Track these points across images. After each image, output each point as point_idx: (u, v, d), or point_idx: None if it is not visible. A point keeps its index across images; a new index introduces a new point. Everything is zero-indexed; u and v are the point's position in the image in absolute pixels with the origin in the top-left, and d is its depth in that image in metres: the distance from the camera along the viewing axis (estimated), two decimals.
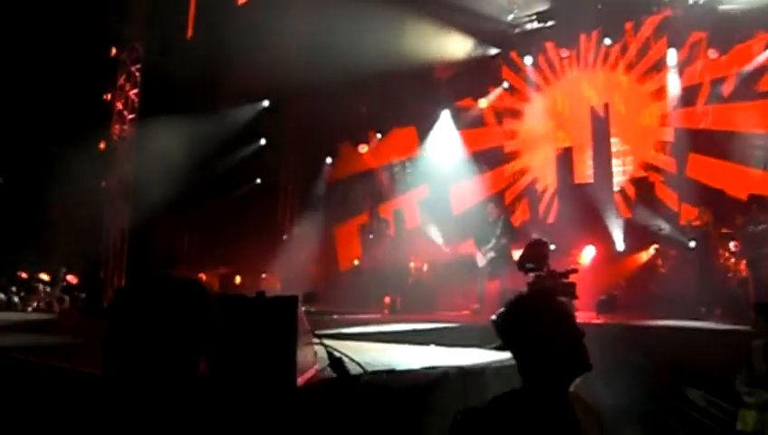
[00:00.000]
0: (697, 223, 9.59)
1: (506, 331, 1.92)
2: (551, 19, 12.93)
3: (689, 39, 11.57)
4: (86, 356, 2.62)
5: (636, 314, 9.02)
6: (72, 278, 11.78)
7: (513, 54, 13.73)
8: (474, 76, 14.11)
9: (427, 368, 2.71)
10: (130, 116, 14.74)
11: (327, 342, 2.51)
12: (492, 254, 10.11)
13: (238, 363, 2.03)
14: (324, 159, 15.96)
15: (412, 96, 14.03)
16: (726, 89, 11.12)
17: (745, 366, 4.72)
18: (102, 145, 14.76)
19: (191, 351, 1.42)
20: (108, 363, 1.39)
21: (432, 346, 4.82)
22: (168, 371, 1.38)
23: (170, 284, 1.45)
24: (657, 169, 11.95)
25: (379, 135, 15.20)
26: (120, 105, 14.72)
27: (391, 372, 2.52)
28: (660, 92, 12.03)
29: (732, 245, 9.69)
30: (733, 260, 9.74)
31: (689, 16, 11.48)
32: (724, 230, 9.67)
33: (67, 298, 8.28)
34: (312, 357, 2.35)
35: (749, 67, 10.91)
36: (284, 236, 16.36)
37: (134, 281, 1.51)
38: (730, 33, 11.03)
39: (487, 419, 1.78)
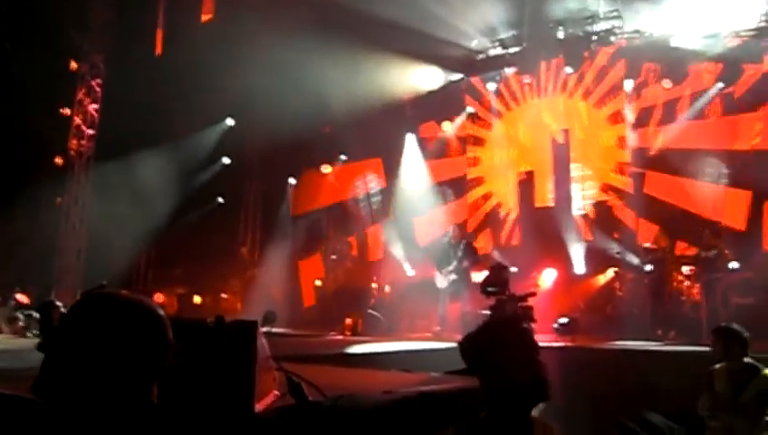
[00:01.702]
0: (654, 247, 9.84)
1: (473, 356, 1.92)
2: (514, 46, 13.23)
3: (644, 69, 12.03)
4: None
5: (594, 336, 9.16)
6: (21, 298, 11.37)
7: (477, 80, 13.98)
8: (437, 100, 14.29)
9: (387, 392, 2.68)
10: (89, 131, 14.43)
11: (286, 365, 2.46)
12: (453, 276, 10.17)
13: (194, 390, 1.98)
14: (287, 180, 15.87)
15: (376, 119, 14.11)
16: (679, 111, 11.60)
17: (707, 390, 4.76)
18: (59, 161, 14.39)
19: (140, 377, 1.35)
20: (50, 390, 1.32)
21: (393, 370, 4.80)
22: (115, 398, 1.30)
23: (116, 305, 1.37)
24: (616, 191, 12.27)
25: (342, 156, 15.21)
26: (78, 120, 14.40)
27: (351, 398, 2.48)
28: (617, 116, 12.42)
29: (686, 269, 9.97)
30: (686, 284, 10.02)
31: (644, 48, 11.95)
32: (678, 255, 9.94)
33: (21, 317, 7.98)
34: (270, 382, 2.30)
35: (701, 101, 11.40)
36: (243, 249, 16.12)
37: (78, 303, 1.41)
38: (681, 65, 11.52)
39: None
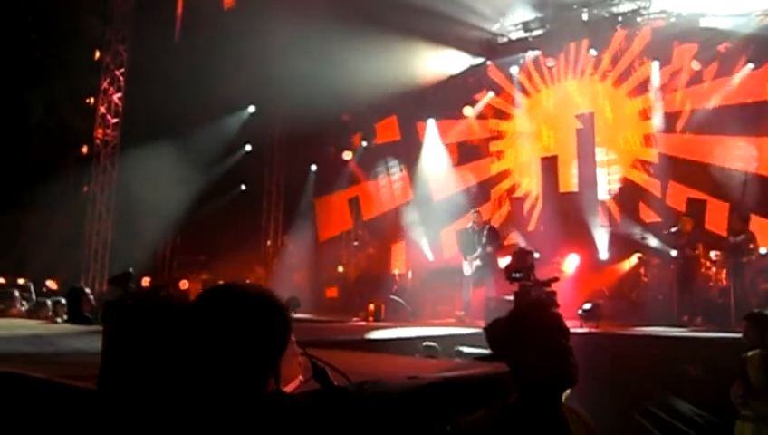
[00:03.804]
0: (680, 232, 9.68)
1: (501, 341, 1.91)
2: (537, 29, 13.03)
3: (673, 51, 11.75)
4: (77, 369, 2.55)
5: (619, 322, 9.07)
6: (51, 284, 11.58)
7: (500, 63, 13.81)
8: (460, 85, 14.17)
9: (412, 378, 2.67)
10: (114, 120, 14.59)
11: (311, 350, 2.47)
12: (478, 262, 10.14)
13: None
14: (309, 166, 15.91)
15: (398, 104, 14.04)
16: (709, 97, 11.32)
17: (740, 377, 4.66)
18: (85, 149, 14.58)
19: (265, 365, 1.39)
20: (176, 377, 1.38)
21: (417, 356, 4.80)
22: (242, 386, 1.35)
23: (242, 297, 1.40)
24: (642, 164, 12.04)
25: (364, 142, 15.19)
26: (103, 109, 14.56)
27: (376, 383, 2.48)
28: (642, 86, 12.15)
29: (713, 254, 9.79)
30: (714, 269, 9.85)
31: (671, 29, 11.66)
32: (705, 240, 9.77)
33: (49, 303, 8.13)
34: (296, 368, 2.31)
35: (732, 82, 11.07)
36: (268, 242, 16.28)
37: (203, 295, 1.44)
38: (711, 46, 11.21)
39: (481, 430, 1.76)
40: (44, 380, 2.25)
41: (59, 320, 6.89)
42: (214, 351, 1.33)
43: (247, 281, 14.98)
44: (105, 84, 14.55)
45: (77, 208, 13.89)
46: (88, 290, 7.52)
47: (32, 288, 9.05)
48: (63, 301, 7.28)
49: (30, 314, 7.18)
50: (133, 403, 1.92)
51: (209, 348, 1.34)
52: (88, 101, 14.65)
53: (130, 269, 8.12)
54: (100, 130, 14.51)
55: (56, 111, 13.62)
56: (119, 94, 14.64)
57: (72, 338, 4.39)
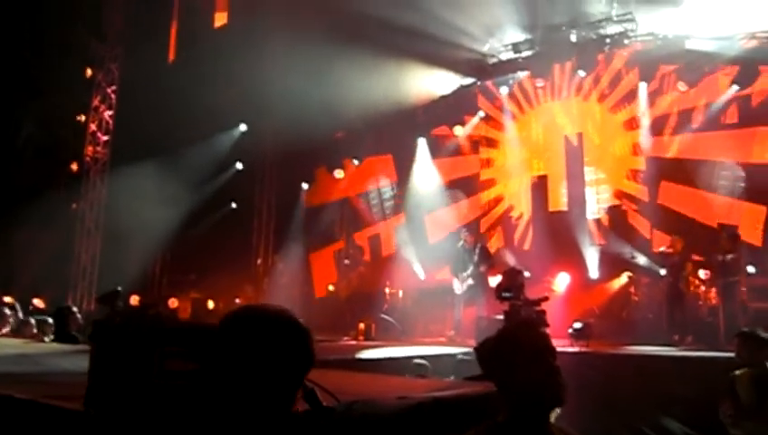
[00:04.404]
0: (669, 251, 9.74)
1: (490, 361, 1.91)
2: (526, 50, 13.19)
3: (659, 72, 11.92)
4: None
5: (609, 341, 9.08)
6: (38, 302, 11.46)
7: (489, 84, 13.95)
8: (450, 104, 14.28)
9: (402, 398, 2.66)
10: (104, 138, 14.57)
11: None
12: (470, 281, 10.15)
13: (209, 393, 1.98)
14: (300, 185, 15.92)
15: (388, 123, 14.12)
16: (695, 119, 11.47)
17: (729, 396, 4.65)
18: (75, 167, 14.53)
19: (289, 387, 1.43)
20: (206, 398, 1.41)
21: (407, 376, 4.78)
22: (268, 407, 1.38)
23: (267, 320, 1.44)
24: (630, 198, 12.17)
25: (355, 161, 15.24)
26: (94, 126, 14.54)
27: (365, 403, 2.47)
28: (632, 122, 12.31)
29: (702, 273, 9.85)
30: (703, 288, 9.91)
31: (658, 51, 11.84)
32: (695, 258, 9.83)
33: (33, 322, 8.03)
34: None
35: (717, 103, 11.26)
36: (259, 261, 16.21)
37: (230, 318, 1.49)
38: (697, 67, 11.40)
39: None
40: (30, 400, 2.22)
41: (46, 339, 6.82)
42: (242, 373, 1.37)
43: (237, 301, 14.91)
44: (96, 102, 14.55)
45: (66, 225, 13.80)
46: (75, 309, 7.45)
47: (17, 307, 8.94)
48: (50, 320, 7.21)
49: (15, 334, 7.10)
50: (120, 424, 1.90)
51: (238, 371, 1.37)
52: (79, 118, 14.64)
53: (119, 287, 8.07)
54: (90, 148, 14.47)
55: (46, 127, 13.59)
56: (110, 112, 14.63)
57: (58, 357, 4.34)
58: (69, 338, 6.37)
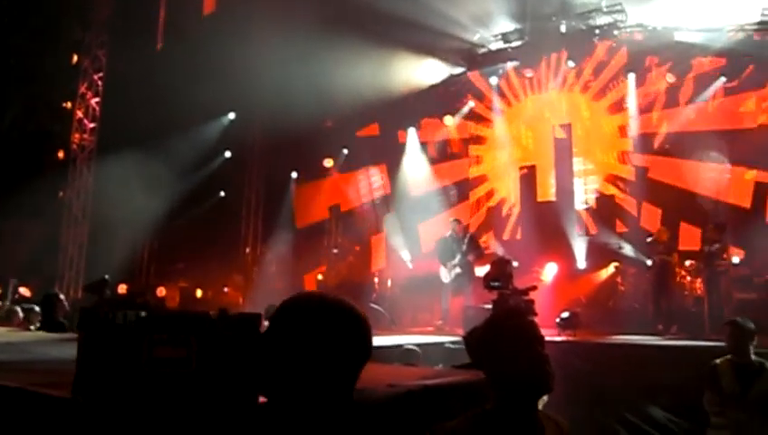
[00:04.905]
0: (656, 241, 9.82)
1: (479, 349, 1.93)
2: (516, 40, 13.19)
3: (647, 63, 11.97)
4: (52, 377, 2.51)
5: (596, 330, 9.17)
6: (24, 291, 11.37)
7: (479, 74, 13.93)
8: (440, 94, 14.27)
9: (391, 386, 2.67)
10: (91, 125, 14.43)
11: None
12: (457, 270, 10.17)
13: (198, 382, 1.98)
14: (289, 174, 15.87)
15: (378, 112, 14.09)
16: (682, 100, 11.57)
17: (711, 385, 4.68)
18: (61, 154, 14.38)
19: (347, 377, 1.40)
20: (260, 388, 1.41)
21: (396, 363, 4.80)
22: (327, 398, 1.36)
23: (327, 308, 1.41)
24: (619, 181, 12.22)
25: (345, 150, 15.20)
26: (80, 113, 14.39)
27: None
28: (620, 104, 12.36)
29: (688, 263, 9.96)
30: (688, 278, 10.02)
31: (647, 42, 11.88)
32: (681, 249, 9.93)
33: (20, 311, 7.97)
34: None
35: (704, 94, 11.34)
36: (247, 250, 16.18)
37: (287, 306, 1.44)
38: (685, 59, 11.47)
39: None
40: (17, 388, 2.21)
41: (32, 327, 6.77)
42: (301, 363, 1.34)
43: (225, 290, 14.87)
44: (83, 89, 14.39)
45: (52, 214, 13.68)
46: (62, 296, 7.40)
47: (9, 293, 8.88)
48: (37, 308, 7.15)
49: (1, 322, 7.04)
50: (109, 412, 1.89)
51: (297, 360, 1.35)
52: (65, 105, 14.48)
53: (106, 276, 8.02)
54: (77, 135, 14.33)
55: (32, 114, 13.43)
56: (96, 99, 14.48)
57: (45, 346, 4.32)
58: (56, 325, 6.33)
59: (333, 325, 1.38)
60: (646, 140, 11.96)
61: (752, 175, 10.78)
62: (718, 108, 11.31)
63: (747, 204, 10.64)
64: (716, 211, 10.37)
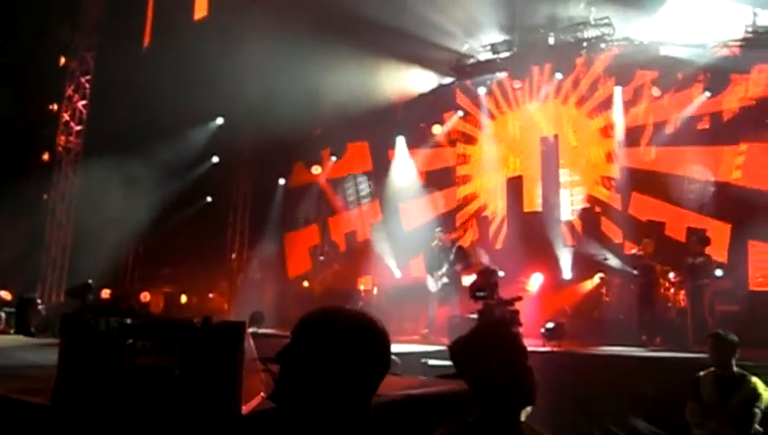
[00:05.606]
0: (640, 254, 9.90)
1: (463, 360, 1.93)
2: (504, 51, 13.28)
3: (635, 77, 12.10)
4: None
5: (580, 341, 9.20)
6: (5, 294, 11.23)
7: (468, 83, 14.01)
8: (429, 103, 14.32)
9: (375, 395, 2.66)
10: (77, 127, 14.31)
11: (273, 367, 2.45)
12: (444, 280, 10.18)
13: (180, 390, 1.97)
14: (277, 180, 15.82)
15: (367, 120, 14.11)
16: (668, 125, 11.67)
17: (693, 396, 4.73)
18: (46, 157, 14.26)
19: (365, 391, 1.43)
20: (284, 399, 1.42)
21: None
22: (345, 410, 1.38)
23: (348, 322, 1.44)
24: (601, 204, 12.31)
25: (333, 157, 15.19)
26: (66, 116, 14.27)
27: None
28: (607, 129, 12.45)
29: (671, 275, 10.04)
30: (672, 290, 10.09)
31: (634, 55, 12.01)
32: (665, 262, 10.00)
33: (2, 315, 7.87)
34: (257, 384, 2.29)
35: (689, 109, 11.47)
36: (233, 256, 16.09)
37: (309, 319, 1.49)
38: (671, 73, 11.60)
39: None
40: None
41: (12, 332, 6.68)
42: (321, 378, 1.37)
43: (210, 296, 14.76)
44: (70, 91, 14.29)
45: (36, 216, 13.54)
46: (39, 301, 7.31)
47: None
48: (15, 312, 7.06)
49: None
50: (89, 420, 1.87)
51: (315, 375, 1.37)
52: (51, 107, 14.37)
53: (90, 280, 7.93)
54: (62, 138, 14.23)
55: (18, 116, 13.31)
56: (83, 102, 14.39)
57: (25, 351, 4.26)
58: (26, 333, 6.23)
59: (358, 344, 1.41)
60: (632, 142, 12.02)
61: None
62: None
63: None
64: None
